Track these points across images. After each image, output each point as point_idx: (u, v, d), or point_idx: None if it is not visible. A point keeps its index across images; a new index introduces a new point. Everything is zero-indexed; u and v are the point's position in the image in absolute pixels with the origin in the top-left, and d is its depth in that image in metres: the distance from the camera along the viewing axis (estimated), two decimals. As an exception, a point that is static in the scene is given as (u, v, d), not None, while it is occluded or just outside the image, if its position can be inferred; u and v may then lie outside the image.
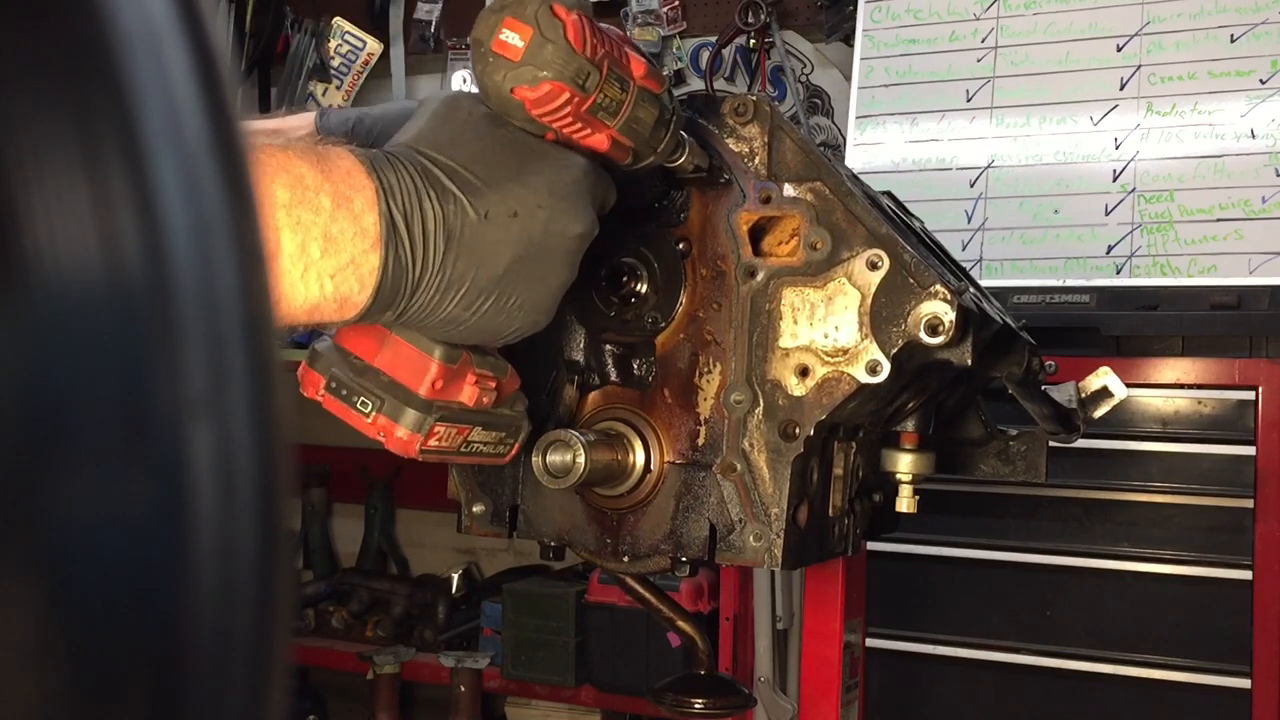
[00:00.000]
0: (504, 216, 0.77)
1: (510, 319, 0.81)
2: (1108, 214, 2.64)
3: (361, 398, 0.82)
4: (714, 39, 3.48)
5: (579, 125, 0.81)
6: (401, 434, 0.82)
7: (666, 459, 0.98)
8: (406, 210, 0.74)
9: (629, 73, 0.83)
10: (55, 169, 0.26)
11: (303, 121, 1.14)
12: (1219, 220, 2.54)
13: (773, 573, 2.52)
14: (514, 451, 0.93)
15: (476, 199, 0.77)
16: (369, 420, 0.82)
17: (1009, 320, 1.17)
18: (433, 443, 0.83)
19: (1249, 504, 2.21)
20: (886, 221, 0.94)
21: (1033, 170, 2.75)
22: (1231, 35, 2.63)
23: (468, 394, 0.85)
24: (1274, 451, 2.19)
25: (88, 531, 0.26)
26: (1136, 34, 2.72)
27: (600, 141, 0.84)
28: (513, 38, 0.77)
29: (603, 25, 0.81)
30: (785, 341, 0.94)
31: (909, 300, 0.91)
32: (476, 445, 0.88)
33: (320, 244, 0.70)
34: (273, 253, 0.69)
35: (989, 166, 2.79)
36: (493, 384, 0.87)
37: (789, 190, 0.95)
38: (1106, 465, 2.33)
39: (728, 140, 0.97)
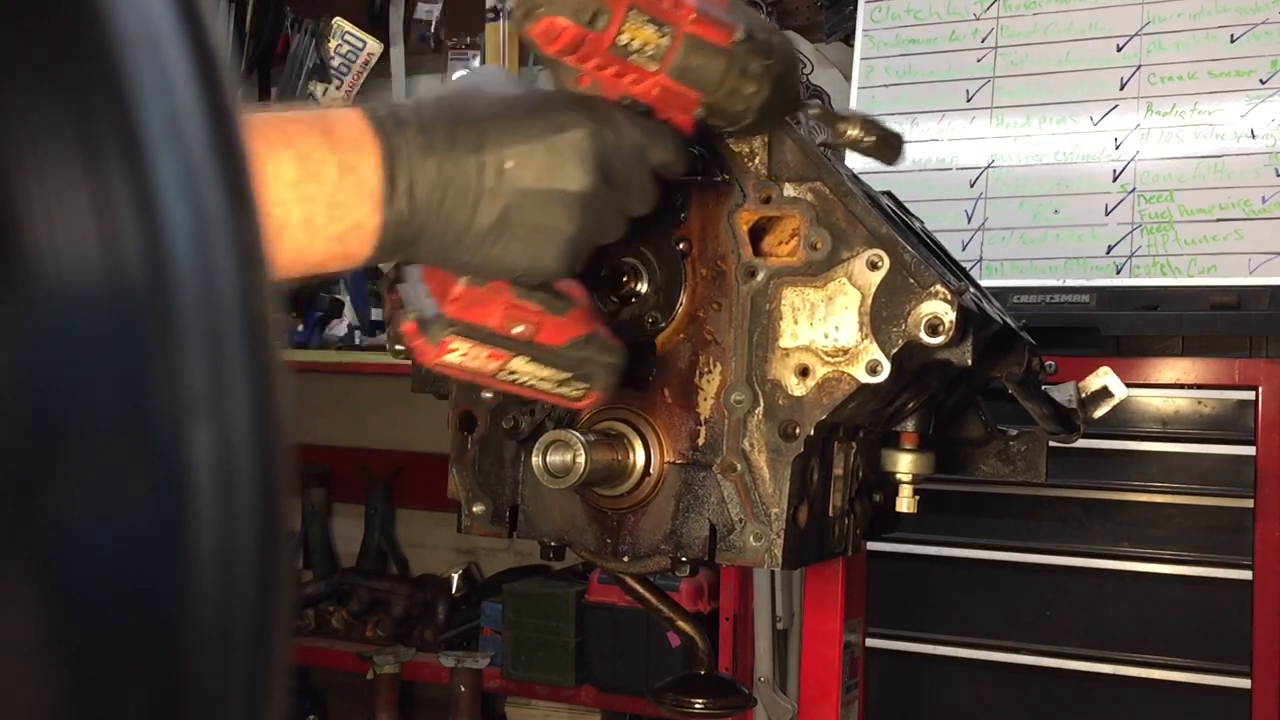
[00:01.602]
0: (495, 168, 0.79)
1: (515, 261, 0.82)
2: (1108, 214, 2.64)
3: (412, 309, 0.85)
4: (714, 39, 3.47)
5: (614, 68, 0.81)
6: (420, 341, 0.84)
7: (666, 459, 0.98)
8: (411, 170, 0.76)
9: (673, 16, 0.81)
10: (55, 169, 0.26)
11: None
12: (1219, 220, 2.54)
13: (773, 573, 2.52)
14: (589, 399, 0.90)
15: (474, 154, 0.79)
16: (405, 324, 0.84)
17: (1009, 320, 1.17)
18: (452, 358, 0.84)
19: (1249, 504, 2.21)
20: (887, 221, 0.94)
21: (1033, 170, 2.74)
22: (1231, 35, 2.62)
23: (497, 318, 0.84)
24: (1274, 451, 2.19)
25: (88, 531, 0.26)
26: (1136, 34, 2.71)
27: (646, 89, 0.83)
28: None
29: None
30: (785, 341, 0.94)
31: (909, 300, 0.91)
32: (525, 377, 0.87)
33: (326, 212, 0.73)
34: (281, 226, 0.71)
35: (989, 166, 2.79)
36: (534, 317, 0.85)
37: (789, 190, 0.95)
38: (1106, 465, 2.33)
39: (728, 140, 0.97)
